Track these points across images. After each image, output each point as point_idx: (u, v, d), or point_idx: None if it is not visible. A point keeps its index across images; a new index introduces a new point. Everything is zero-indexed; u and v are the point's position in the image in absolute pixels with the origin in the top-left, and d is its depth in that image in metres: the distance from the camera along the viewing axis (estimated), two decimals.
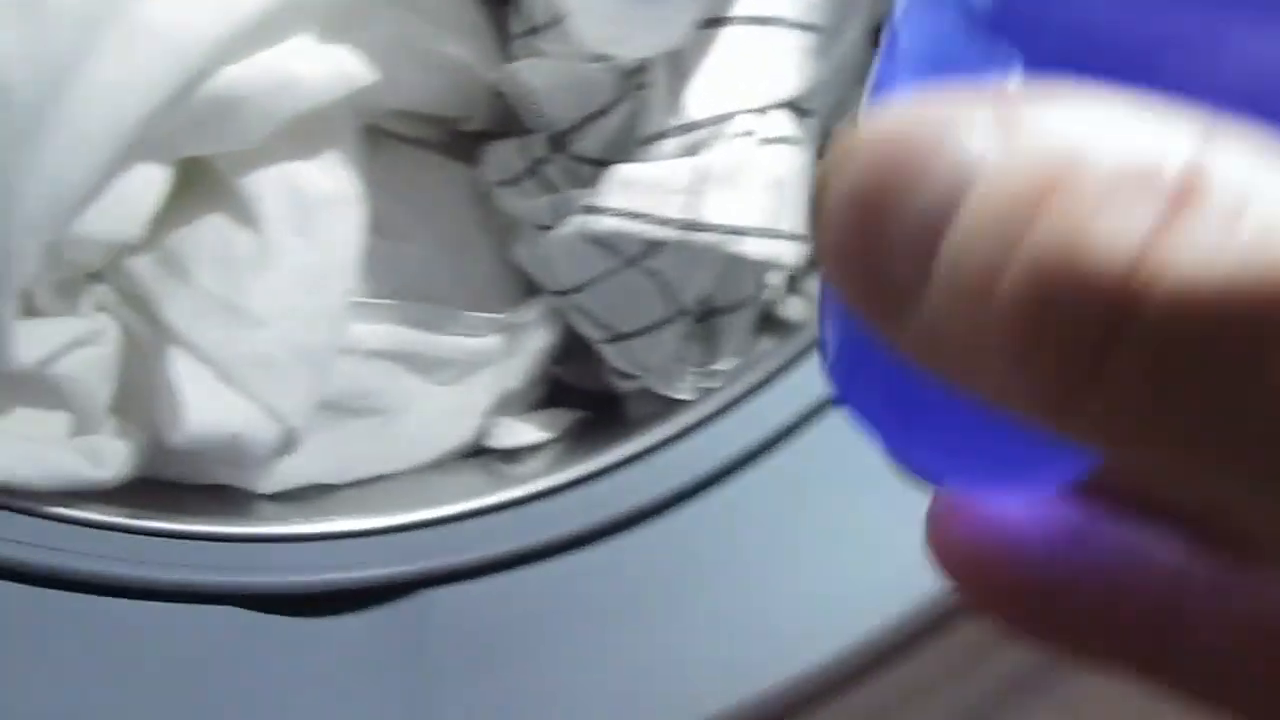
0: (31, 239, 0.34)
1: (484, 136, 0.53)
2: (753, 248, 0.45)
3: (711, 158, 0.44)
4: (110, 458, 0.41)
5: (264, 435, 0.42)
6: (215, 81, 0.37)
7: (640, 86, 0.46)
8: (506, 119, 0.53)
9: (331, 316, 0.44)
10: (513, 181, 0.48)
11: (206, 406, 0.40)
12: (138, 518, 0.42)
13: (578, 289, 0.48)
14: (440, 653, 0.42)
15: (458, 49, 0.49)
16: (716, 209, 0.44)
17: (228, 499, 0.50)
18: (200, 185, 0.42)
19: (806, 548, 0.48)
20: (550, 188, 0.48)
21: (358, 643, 0.41)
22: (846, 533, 0.48)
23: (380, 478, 0.52)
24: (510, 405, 0.55)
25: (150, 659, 0.39)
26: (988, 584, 0.18)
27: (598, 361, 0.57)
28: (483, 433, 0.54)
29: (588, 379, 0.59)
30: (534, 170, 0.48)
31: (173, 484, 0.46)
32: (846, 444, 0.48)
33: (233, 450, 0.42)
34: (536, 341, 0.54)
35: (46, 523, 0.40)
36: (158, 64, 0.35)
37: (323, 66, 0.39)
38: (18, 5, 0.33)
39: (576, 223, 0.45)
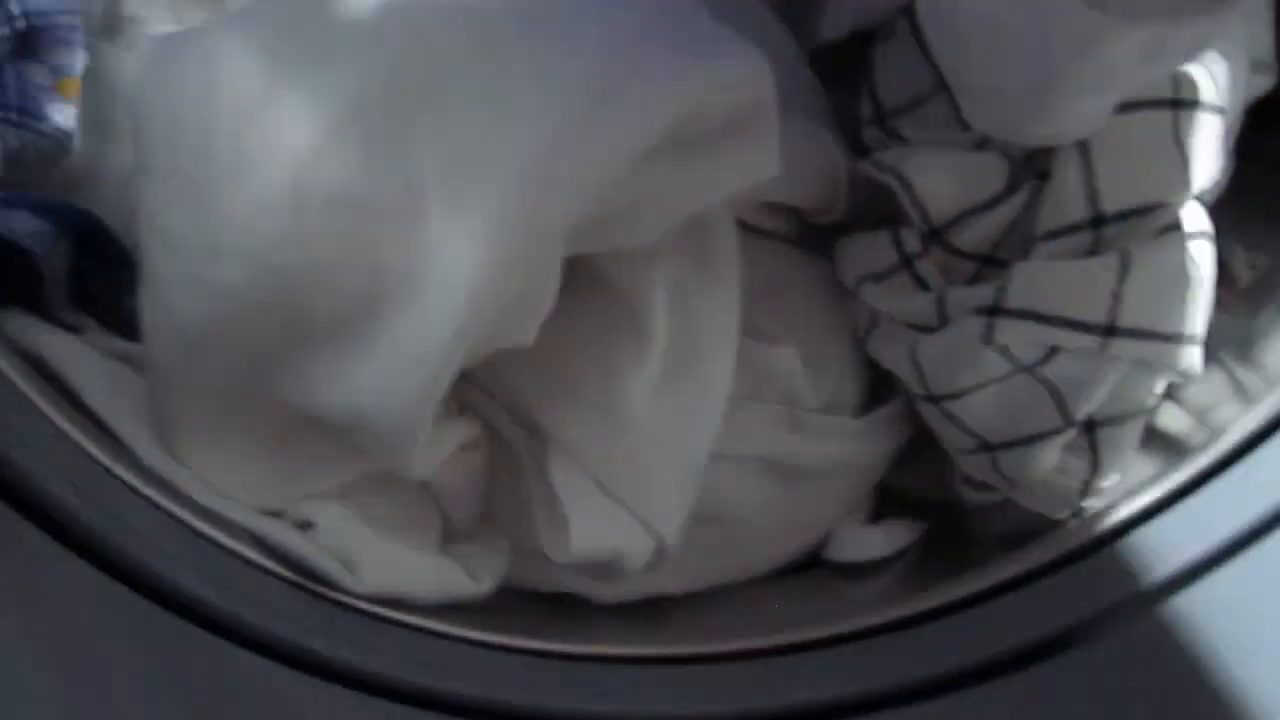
0: (463, 335, 0.32)
1: (837, 230, 0.50)
2: (1183, 357, 0.40)
3: (1134, 255, 0.39)
4: (484, 570, 0.39)
5: (642, 551, 0.39)
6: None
7: (1041, 175, 0.42)
8: (861, 210, 0.50)
9: (708, 423, 0.41)
10: (882, 277, 0.45)
11: (590, 521, 0.38)
12: (500, 632, 0.40)
13: (956, 395, 0.44)
14: None
15: (825, 137, 0.46)
16: (1138, 312, 0.40)
17: (561, 607, 0.47)
18: (578, 281, 0.40)
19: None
20: (922, 285, 0.44)
21: None
22: None
23: (715, 589, 0.49)
24: (851, 513, 0.51)
25: None
26: None
27: (940, 468, 0.52)
28: (822, 543, 0.51)
29: (923, 486, 0.54)
30: (907, 264, 0.44)
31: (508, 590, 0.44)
32: (1261, 594, 0.42)
33: (610, 567, 0.39)
34: (886, 447, 0.50)
35: (425, 638, 0.37)
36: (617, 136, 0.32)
37: (735, 153, 0.37)
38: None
39: (976, 325, 0.41)
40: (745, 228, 0.46)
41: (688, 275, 0.40)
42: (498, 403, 0.41)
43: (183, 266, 0.32)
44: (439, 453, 0.37)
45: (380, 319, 0.33)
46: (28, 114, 0.39)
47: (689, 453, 0.40)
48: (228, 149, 0.31)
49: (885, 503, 0.53)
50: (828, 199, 0.47)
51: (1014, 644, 0.41)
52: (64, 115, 0.42)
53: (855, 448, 0.48)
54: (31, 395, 0.32)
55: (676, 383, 0.40)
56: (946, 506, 0.52)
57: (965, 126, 0.45)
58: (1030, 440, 0.44)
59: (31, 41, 0.40)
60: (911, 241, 0.45)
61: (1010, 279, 0.41)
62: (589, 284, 0.40)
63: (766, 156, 0.37)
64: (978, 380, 0.43)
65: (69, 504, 0.31)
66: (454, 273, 0.32)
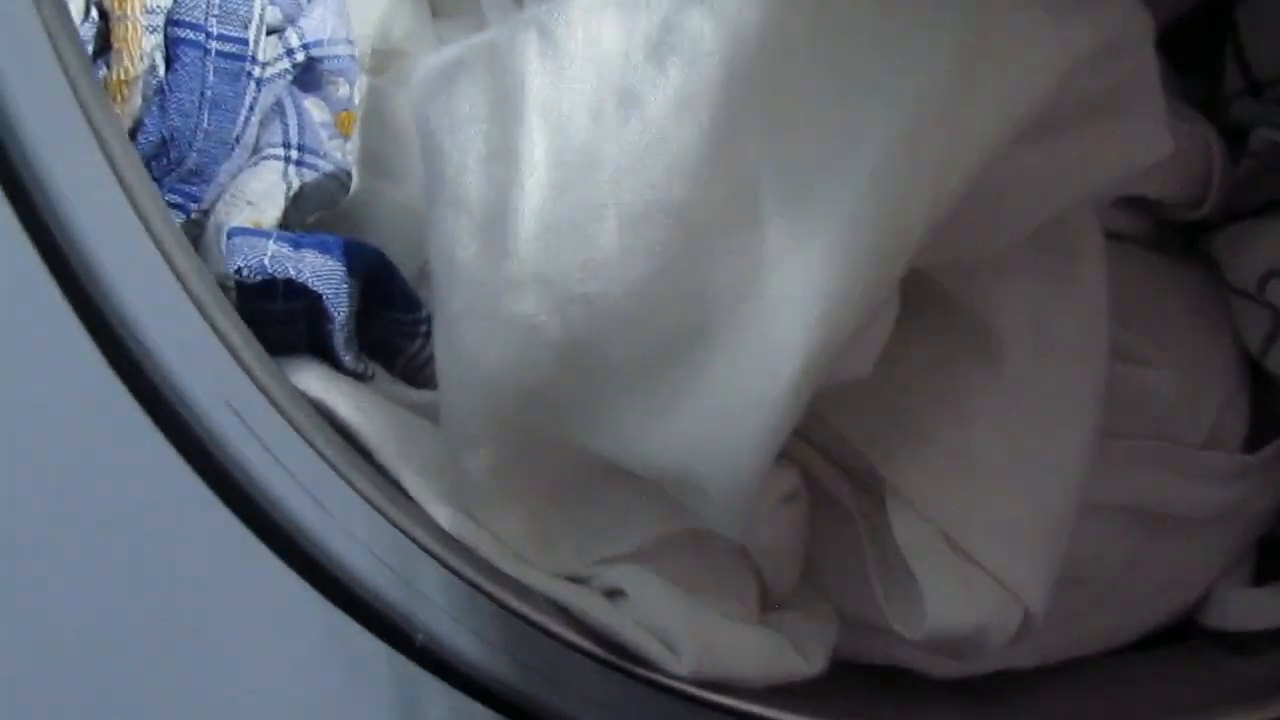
0: (808, 379, 0.26)
1: (1200, 227, 0.42)
2: None
3: None
4: (814, 645, 0.33)
5: (1007, 624, 0.32)
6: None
7: None
8: (1231, 203, 0.41)
9: (1080, 469, 0.33)
10: None
11: (948, 591, 0.31)
12: (827, 714, 0.34)
13: None
14: None
15: (1190, 114, 0.38)
16: None
17: (890, 682, 0.41)
18: (918, 303, 0.34)
19: None
20: None
21: None
22: None
23: (1071, 661, 0.41)
24: (1232, 569, 0.42)
25: None
26: None
27: None
28: (1197, 607, 0.42)
29: None
30: None
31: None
32: None
33: (968, 644, 0.32)
34: (1278, 490, 0.41)
35: None
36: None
37: (1114, 141, 0.30)
38: None
39: None
40: None
41: (1044, 287, 0.33)
42: (818, 449, 0.35)
43: (475, 302, 0.28)
44: (766, 504, 0.31)
45: (707, 354, 0.27)
46: (309, 151, 0.37)
47: (1060, 508, 0.33)
48: (526, 170, 0.27)
49: (1272, 561, 0.44)
50: (1197, 188, 0.39)
51: None
52: (343, 153, 0.40)
53: (1243, 491, 0.39)
54: (322, 449, 0.29)
55: (1038, 415, 0.33)
56: None
57: None
58: None
59: (309, 75, 0.38)
60: None
61: None
62: (927, 303, 0.33)
63: (1155, 131, 0.30)
64: None
65: (360, 571, 0.28)
66: (799, 294, 0.26)
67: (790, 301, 0.26)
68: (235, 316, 0.28)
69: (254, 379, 0.28)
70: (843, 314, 0.26)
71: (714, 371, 0.28)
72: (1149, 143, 0.30)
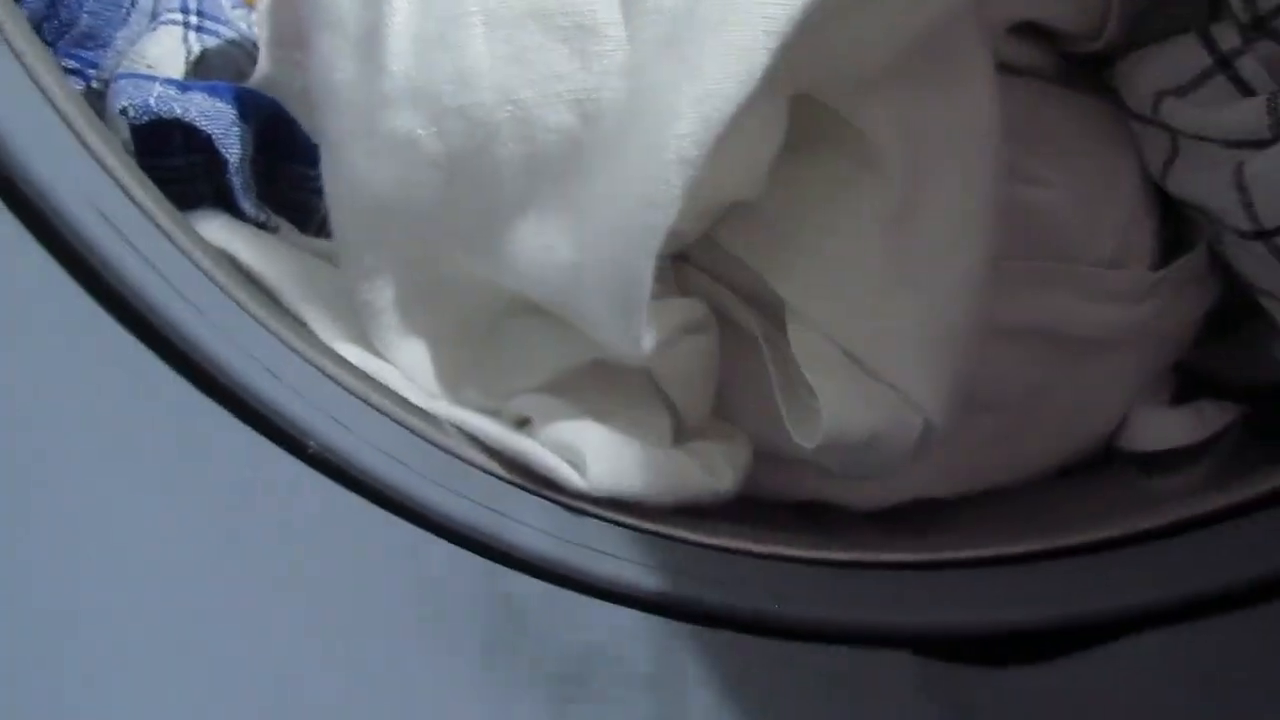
0: (682, 172, 0.27)
1: (1101, 62, 0.42)
2: None
3: None
4: (723, 467, 0.34)
5: (904, 435, 0.33)
6: None
7: None
8: (1135, 35, 0.42)
9: (974, 282, 0.34)
10: (1189, 87, 0.37)
11: (842, 396, 0.32)
12: (759, 541, 0.35)
13: None
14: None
15: None
16: None
17: (814, 516, 0.42)
18: (805, 130, 0.34)
19: None
20: (1246, 89, 0.36)
21: (1076, 696, 0.31)
22: None
23: (992, 491, 0.42)
24: (1149, 395, 0.43)
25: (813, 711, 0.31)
26: None
27: (1257, 340, 0.43)
28: (1116, 430, 0.43)
29: (1235, 367, 0.45)
30: (1224, 65, 0.36)
31: (750, 499, 0.39)
32: None
33: (865, 455, 0.33)
34: (1189, 308, 0.41)
35: (666, 543, 0.33)
36: None
37: None
38: None
39: None
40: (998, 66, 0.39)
41: (927, 101, 0.33)
42: (722, 284, 0.36)
43: (355, 122, 0.28)
44: (659, 335, 0.32)
45: (588, 161, 0.28)
46: (210, 18, 0.37)
47: (957, 320, 0.34)
48: None
49: (1190, 391, 0.45)
50: (1093, 18, 0.39)
51: None
52: (248, 24, 0.40)
53: (1152, 309, 0.40)
54: (234, 293, 0.29)
55: (928, 229, 0.33)
56: (1267, 391, 0.43)
57: None
58: None
59: None
60: (1229, 37, 0.36)
61: None
62: (814, 125, 0.34)
63: None
64: None
65: (283, 404, 0.28)
66: (673, 90, 0.26)
67: (665, 98, 0.27)
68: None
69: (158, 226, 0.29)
70: (717, 104, 0.27)
71: (596, 179, 0.28)
72: None
